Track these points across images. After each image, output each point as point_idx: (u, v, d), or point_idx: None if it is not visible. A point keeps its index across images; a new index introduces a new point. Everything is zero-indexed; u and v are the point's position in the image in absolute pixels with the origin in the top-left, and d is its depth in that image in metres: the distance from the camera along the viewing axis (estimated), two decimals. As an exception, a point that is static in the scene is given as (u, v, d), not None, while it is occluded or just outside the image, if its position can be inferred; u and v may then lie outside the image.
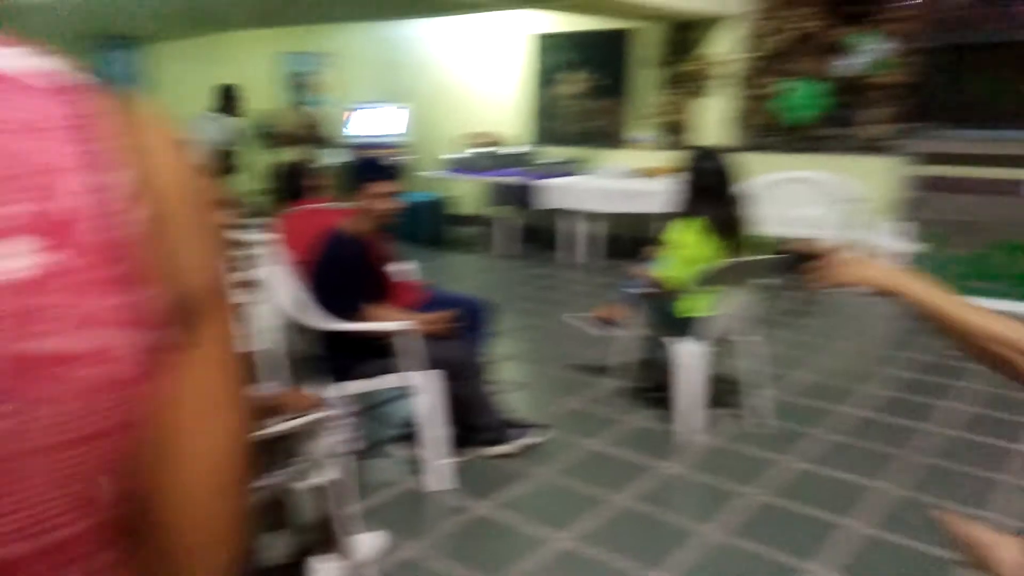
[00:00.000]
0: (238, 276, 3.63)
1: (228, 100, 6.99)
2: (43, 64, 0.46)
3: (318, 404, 2.15)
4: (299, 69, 7.97)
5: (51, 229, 0.42)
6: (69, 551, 0.48)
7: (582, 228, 6.97)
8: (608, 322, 3.96)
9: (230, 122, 6.91)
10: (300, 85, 7.29)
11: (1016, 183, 6.70)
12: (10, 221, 0.41)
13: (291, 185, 3.76)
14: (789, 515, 2.77)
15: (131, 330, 0.46)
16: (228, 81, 7.08)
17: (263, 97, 7.90)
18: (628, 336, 3.59)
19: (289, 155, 6.49)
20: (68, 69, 0.47)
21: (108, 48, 7.48)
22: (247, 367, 0.57)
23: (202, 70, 7.94)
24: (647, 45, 7.63)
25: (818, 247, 1.45)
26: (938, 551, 2.47)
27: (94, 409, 0.45)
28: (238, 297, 0.56)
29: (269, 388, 2.40)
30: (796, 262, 1.47)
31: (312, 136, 7.20)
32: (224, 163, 6.79)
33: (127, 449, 0.49)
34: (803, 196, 6.59)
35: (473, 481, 3.02)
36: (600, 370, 4.20)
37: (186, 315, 0.50)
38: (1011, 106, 6.36)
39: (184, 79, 7.76)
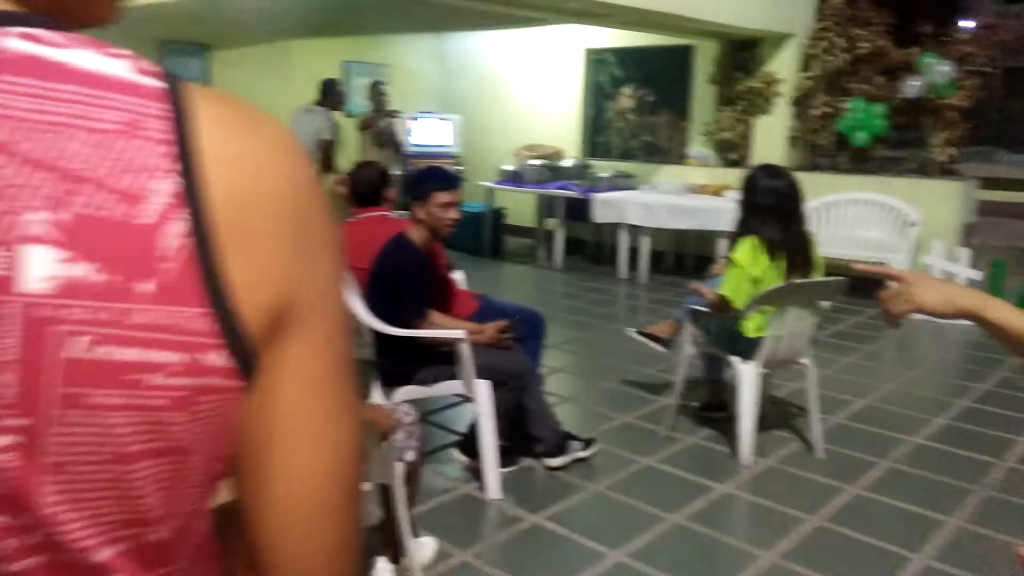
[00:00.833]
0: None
1: (330, 94, 7.09)
2: (135, 66, 0.44)
3: (395, 424, 2.17)
4: (366, 78, 8.14)
5: (129, 234, 0.41)
6: (159, 556, 0.46)
7: (637, 243, 6.94)
8: (664, 339, 3.93)
9: (331, 116, 7.01)
10: (379, 95, 7.38)
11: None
12: (81, 223, 0.40)
13: (367, 191, 3.73)
14: (847, 542, 2.72)
15: (212, 343, 0.43)
16: (290, 89, 7.22)
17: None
18: (685, 353, 3.56)
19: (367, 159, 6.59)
20: (162, 72, 0.45)
21: (177, 53, 7.70)
22: (356, 380, 0.53)
23: (267, 77, 8.13)
24: (705, 62, 7.60)
25: (890, 272, 1.42)
26: (1005, 587, 2.40)
27: (173, 422, 0.43)
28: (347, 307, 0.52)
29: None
30: (870, 285, 1.43)
31: (391, 143, 7.30)
32: (324, 157, 6.83)
33: (213, 467, 0.47)
34: (862, 218, 6.49)
35: (527, 491, 3.03)
36: (655, 386, 4.18)
37: (280, 329, 0.47)
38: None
39: (250, 85, 7.94)
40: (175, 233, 0.41)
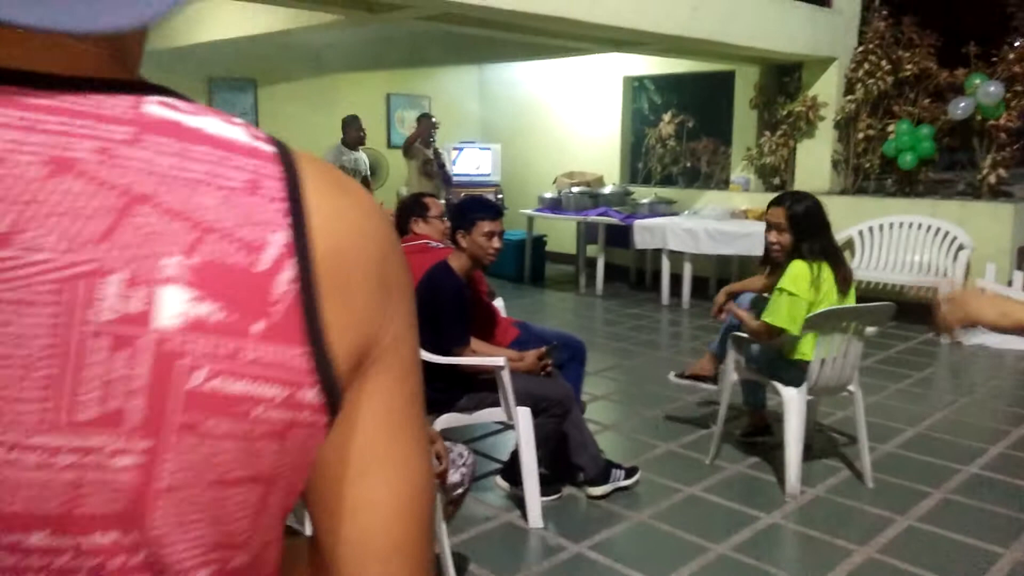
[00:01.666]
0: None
1: (345, 131, 7.23)
2: (250, 132, 0.50)
3: (448, 462, 2.20)
4: (409, 110, 8.29)
5: (247, 279, 0.45)
6: None
7: (679, 269, 6.90)
8: (710, 376, 3.85)
9: (342, 152, 7.16)
10: (428, 127, 7.48)
11: None
12: (208, 267, 0.44)
13: (405, 221, 3.76)
14: (898, 575, 2.64)
15: (308, 380, 0.47)
16: (344, 116, 7.35)
17: (370, 137, 8.19)
18: (729, 380, 3.51)
19: (415, 189, 6.71)
20: (272, 138, 0.50)
21: (226, 89, 7.93)
22: (424, 417, 0.56)
23: (313, 110, 8.32)
24: (746, 86, 7.57)
25: (946, 283, 1.39)
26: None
27: (266, 452, 0.46)
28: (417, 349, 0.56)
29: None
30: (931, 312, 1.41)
31: (439, 173, 7.42)
32: None
33: (289, 499, 0.51)
34: (910, 241, 6.36)
35: (569, 520, 3.00)
36: (698, 414, 4.13)
37: (360, 367, 0.51)
38: None
39: (297, 119, 8.13)
40: (285, 280, 0.46)
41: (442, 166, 7.50)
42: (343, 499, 0.52)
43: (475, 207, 3.08)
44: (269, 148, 0.49)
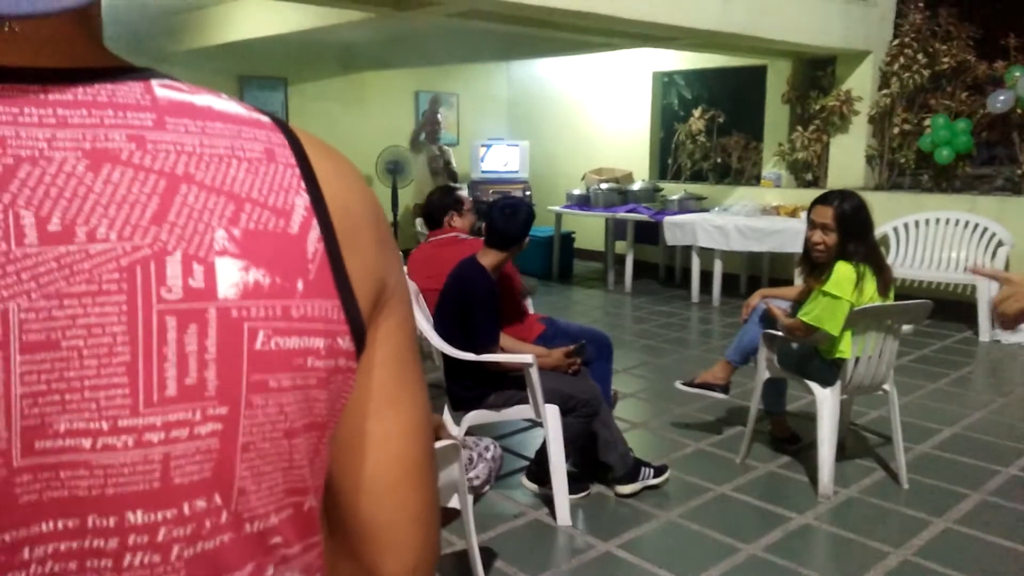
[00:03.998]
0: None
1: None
2: (244, 105, 0.52)
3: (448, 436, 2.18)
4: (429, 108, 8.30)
5: (283, 242, 0.48)
6: (310, 526, 0.53)
7: (709, 266, 6.83)
8: (721, 385, 3.73)
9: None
10: (432, 120, 7.51)
11: None
12: (249, 236, 0.47)
13: (437, 214, 3.80)
14: (936, 579, 2.58)
15: (342, 329, 0.51)
16: (364, 119, 7.40)
17: (399, 135, 8.23)
18: (761, 378, 3.46)
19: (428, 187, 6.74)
20: (247, 104, 0.53)
21: (258, 88, 8.00)
22: (421, 356, 0.60)
23: (343, 108, 8.37)
24: (778, 81, 7.47)
25: (999, 273, 1.37)
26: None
27: (318, 399, 0.50)
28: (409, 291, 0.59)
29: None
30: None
31: (444, 171, 7.42)
32: None
33: (328, 445, 0.54)
34: (947, 238, 6.23)
35: (598, 518, 2.99)
36: (729, 412, 4.08)
37: (375, 312, 0.55)
38: None
39: (327, 116, 8.17)
40: (314, 239, 0.50)
41: (447, 163, 7.50)
42: (365, 437, 0.56)
43: (523, 230, 3.06)
44: (265, 118, 0.52)
